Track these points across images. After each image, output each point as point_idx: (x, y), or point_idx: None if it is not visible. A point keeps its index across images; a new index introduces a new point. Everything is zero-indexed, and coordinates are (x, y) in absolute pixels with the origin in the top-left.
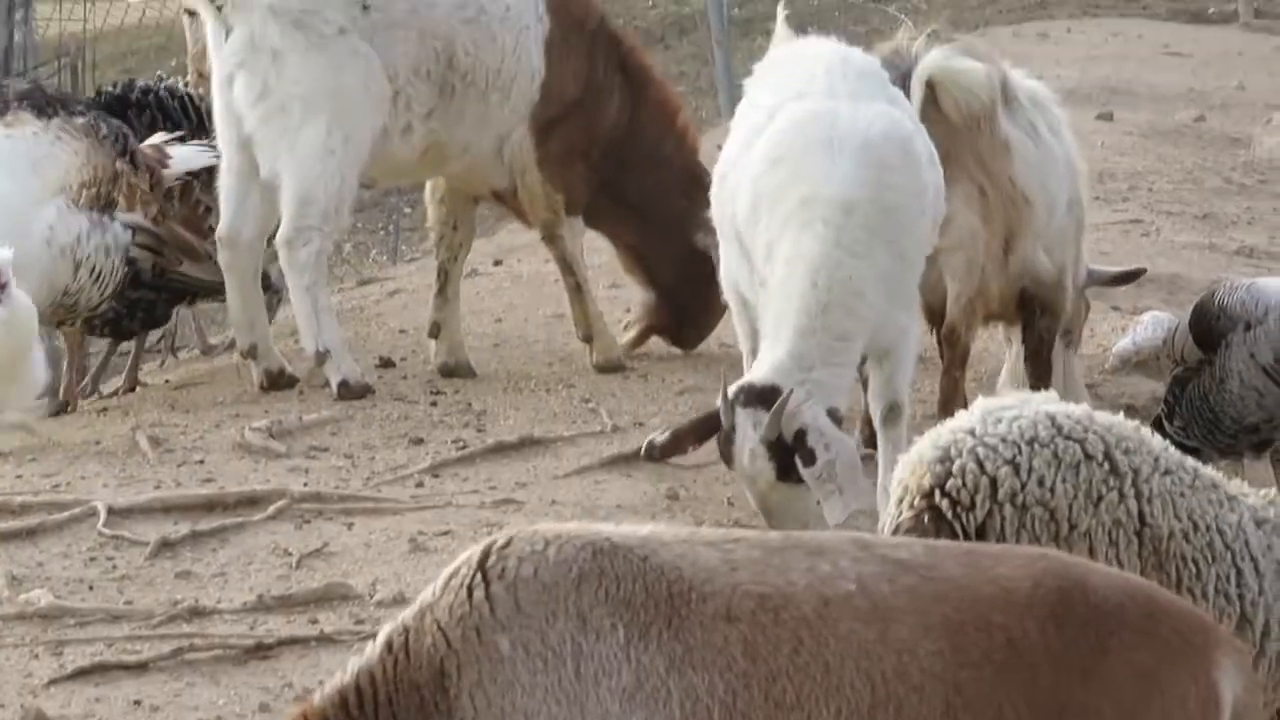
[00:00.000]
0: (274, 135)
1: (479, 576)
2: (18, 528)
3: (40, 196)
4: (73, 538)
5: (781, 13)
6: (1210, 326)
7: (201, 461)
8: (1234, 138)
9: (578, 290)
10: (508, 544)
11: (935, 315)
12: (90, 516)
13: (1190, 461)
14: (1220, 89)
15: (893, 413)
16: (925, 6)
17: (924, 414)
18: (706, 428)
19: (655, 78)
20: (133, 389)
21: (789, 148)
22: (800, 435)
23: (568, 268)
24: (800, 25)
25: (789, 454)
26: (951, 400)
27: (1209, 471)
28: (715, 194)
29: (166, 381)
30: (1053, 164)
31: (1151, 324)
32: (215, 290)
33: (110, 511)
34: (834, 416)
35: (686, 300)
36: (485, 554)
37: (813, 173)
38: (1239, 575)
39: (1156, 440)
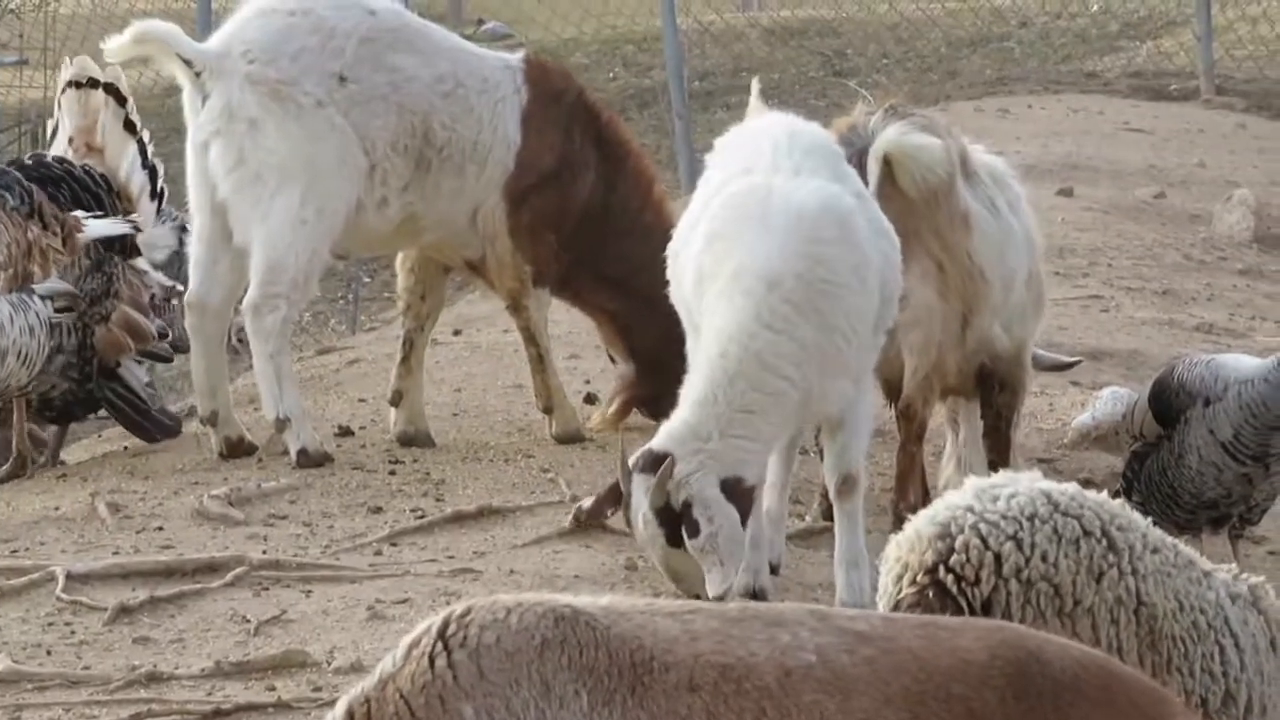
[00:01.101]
0: (248, 203)
1: (440, 645)
2: None
3: None
4: (30, 603)
5: (755, 86)
6: (1170, 402)
7: (160, 528)
8: (1194, 214)
9: (540, 361)
10: (467, 612)
11: (892, 390)
12: (49, 582)
13: (1169, 538)
14: (1181, 166)
15: (846, 484)
16: (886, 81)
17: (882, 487)
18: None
19: (633, 149)
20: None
21: (724, 223)
22: (686, 505)
23: (531, 338)
24: (761, 98)
25: (678, 522)
26: (908, 475)
27: (1185, 549)
28: (670, 272)
29: (125, 448)
30: (1011, 239)
31: (1110, 399)
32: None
33: (69, 577)
34: (734, 488)
35: (666, 372)
36: (445, 623)
37: (742, 247)
38: (1222, 652)
39: (1139, 516)
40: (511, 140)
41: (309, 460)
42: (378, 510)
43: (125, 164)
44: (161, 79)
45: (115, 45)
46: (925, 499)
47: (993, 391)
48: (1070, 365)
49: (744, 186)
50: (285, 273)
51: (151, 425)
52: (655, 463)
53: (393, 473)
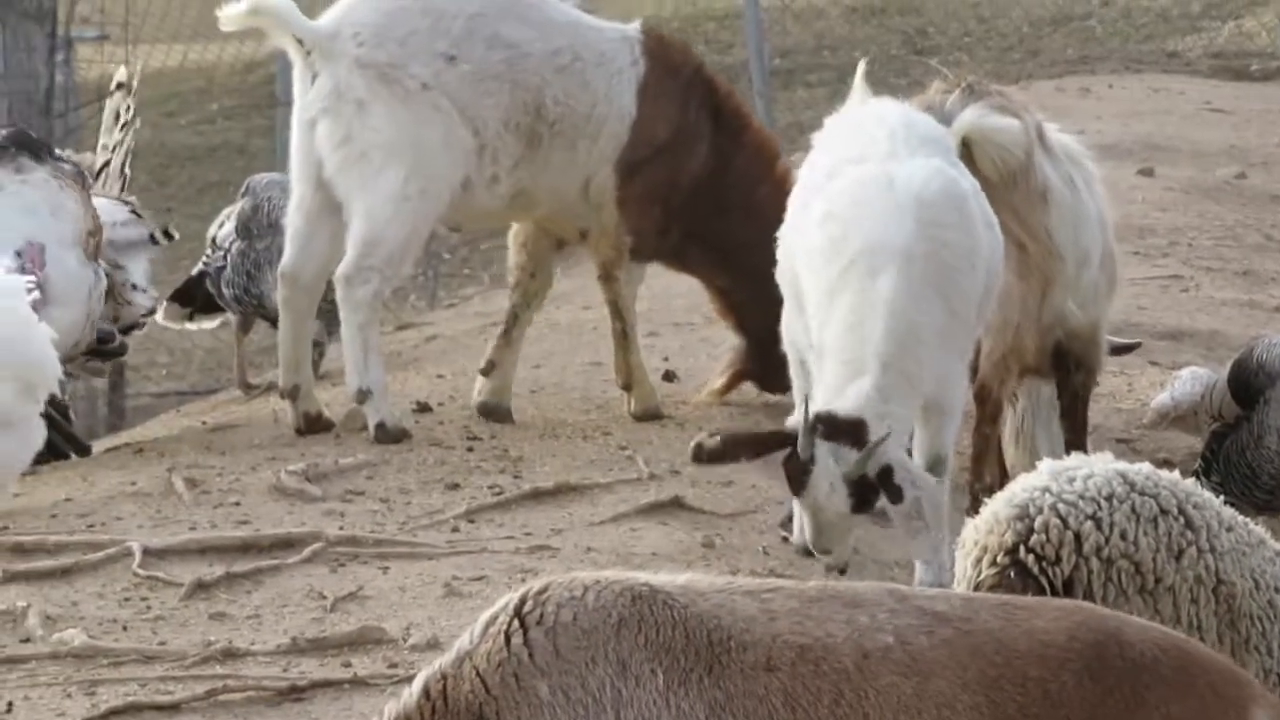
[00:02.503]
0: (353, 180)
1: (516, 623)
2: (52, 567)
3: (73, 252)
4: (107, 578)
5: (861, 69)
6: (1249, 383)
7: (237, 503)
8: (1275, 195)
9: (623, 336)
10: (545, 590)
11: (969, 370)
12: (125, 557)
13: (1240, 517)
14: (1261, 146)
15: (937, 466)
16: (967, 59)
17: (960, 466)
18: (766, 445)
19: (752, 124)
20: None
21: (846, 205)
22: (886, 472)
23: (617, 311)
24: (841, 76)
25: (870, 490)
26: (983, 456)
27: (1256, 528)
28: (780, 252)
29: (203, 423)
30: (1085, 216)
31: (1190, 379)
32: None
33: (145, 552)
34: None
35: (778, 347)
36: (522, 600)
37: (873, 226)
38: None
39: (1211, 495)
40: (627, 112)
41: (386, 435)
42: (455, 487)
43: None
44: (241, 55)
45: (231, 13)
46: (1002, 479)
47: (1069, 372)
48: (1130, 349)
49: (864, 171)
50: (382, 246)
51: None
52: (845, 429)
53: (470, 449)
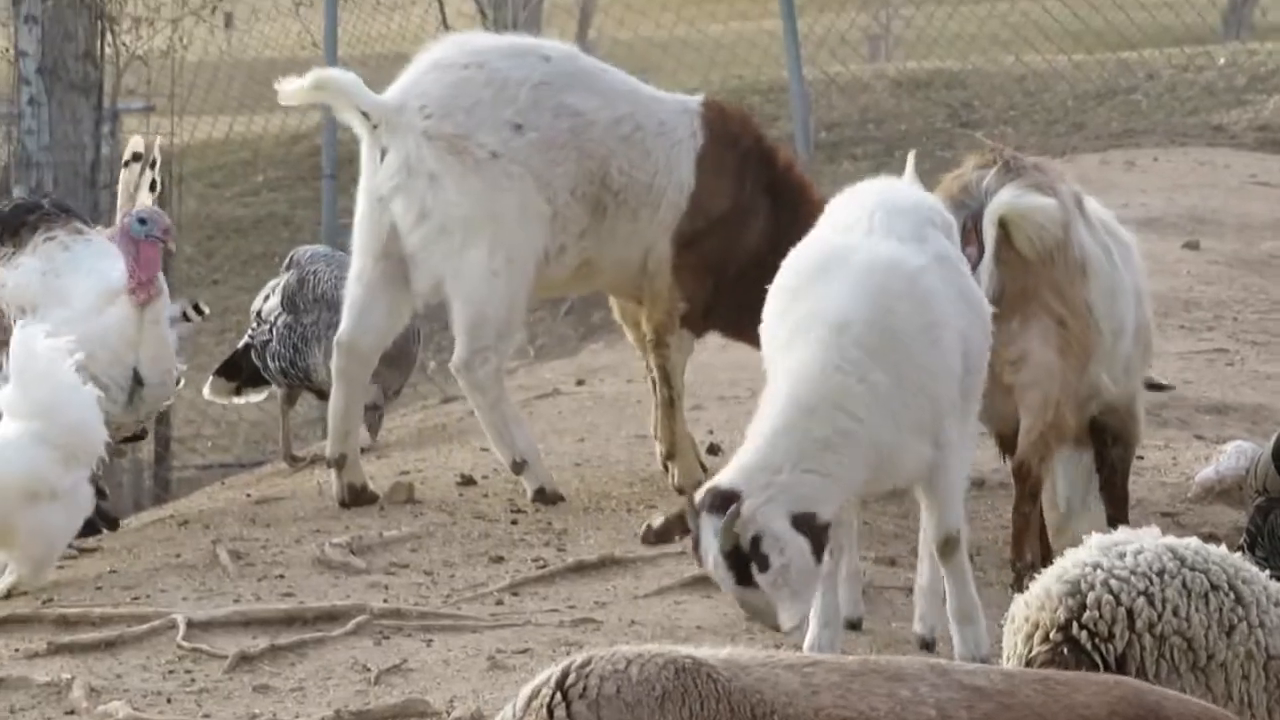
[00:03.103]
0: (438, 257)
1: (559, 695)
2: (97, 639)
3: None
4: (152, 650)
5: (911, 160)
6: None
7: (281, 576)
8: None
9: (669, 405)
10: (587, 663)
11: (1006, 444)
12: (170, 629)
13: None
14: None
15: (948, 545)
16: (1013, 132)
17: (1004, 539)
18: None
19: (812, 197)
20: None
21: (797, 275)
22: (755, 541)
23: (665, 378)
24: (888, 149)
25: (746, 561)
26: (1023, 534)
27: None
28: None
29: (248, 496)
30: (1120, 288)
31: (1235, 453)
32: None
33: (190, 624)
34: (807, 522)
35: None
36: (565, 673)
37: (814, 295)
38: None
39: (1258, 570)
40: (686, 183)
41: (545, 499)
42: (499, 559)
43: None
44: (286, 127)
45: (292, 89)
46: (1046, 556)
47: (1106, 445)
48: (1164, 388)
49: (820, 242)
50: (488, 325)
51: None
52: (723, 501)
53: (515, 522)
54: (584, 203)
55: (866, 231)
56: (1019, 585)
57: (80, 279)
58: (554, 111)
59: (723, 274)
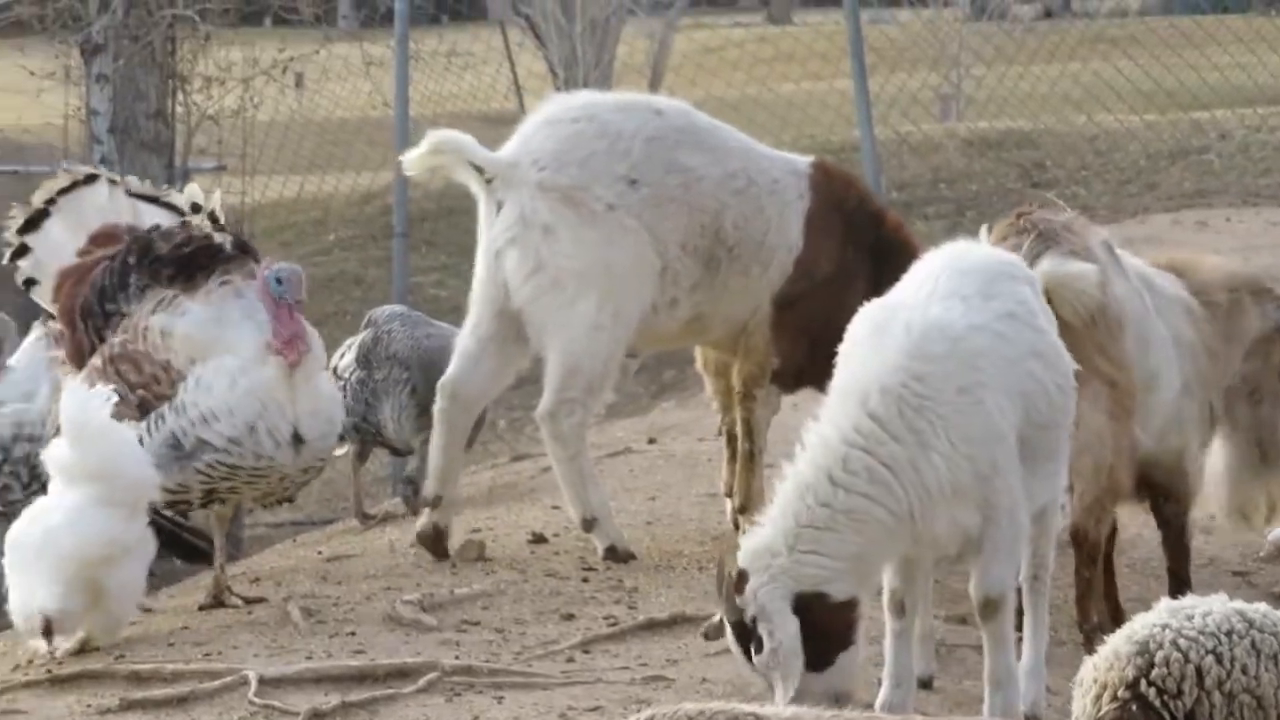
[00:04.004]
0: (546, 309)
1: None
2: (169, 695)
3: None
4: (224, 707)
5: (984, 233)
6: None
7: (353, 633)
8: None
9: (749, 458)
10: None
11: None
12: (241, 686)
13: None
14: None
15: (987, 608)
16: (1084, 192)
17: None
18: None
19: (919, 256)
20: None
21: (848, 339)
22: (754, 620)
23: (748, 431)
24: (959, 208)
25: (747, 639)
26: (1086, 599)
27: None
28: None
29: (320, 553)
30: (1152, 338)
31: None
32: None
33: (261, 681)
34: (814, 603)
35: None
36: None
37: (853, 360)
38: None
39: None
40: (794, 244)
41: (616, 556)
42: (570, 617)
43: None
44: (358, 186)
45: (414, 156)
46: (1117, 615)
47: (1159, 502)
48: None
49: (874, 306)
50: (580, 376)
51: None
52: (738, 579)
53: (586, 580)
54: (695, 256)
55: (929, 293)
56: (1089, 647)
57: (249, 328)
58: (665, 166)
59: (821, 335)
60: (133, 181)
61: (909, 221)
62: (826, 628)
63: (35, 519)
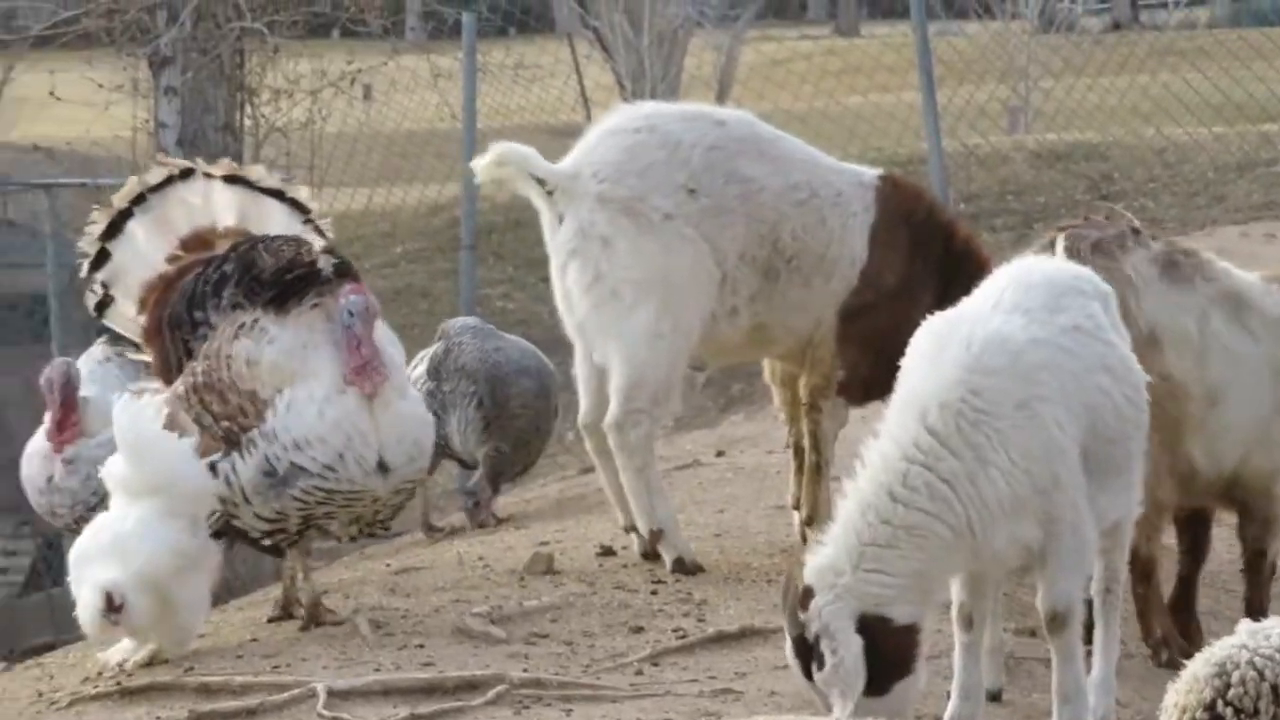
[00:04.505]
0: (605, 320)
1: None
2: (238, 708)
3: None
4: (292, 719)
5: (1061, 243)
6: None
7: (421, 645)
8: None
9: (816, 470)
10: None
11: None
12: (310, 698)
13: None
14: None
15: (1054, 622)
16: (1153, 205)
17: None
18: None
19: (990, 269)
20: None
21: (910, 353)
22: (816, 639)
23: (816, 443)
24: (1027, 220)
25: (810, 656)
26: (1145, 615)
27: None
28: None
29: (388, 565)
30: (1214, 352)
31: None
32: None
33: (330, 694)
34: (878, 626)
35: None
36: None
37: (913, 374)
38: None
39: None
40: (858, 256)
41: (684, 568)
42: (639, 630)
43: None
44: (425, 198)
45: (481, 165)
46: (1187, 630)
47: (1242, 523)
48: None
49: (936, 319)
50: (645, 388)
51: None
52: (801, 596)
53: (654, 592)
54: (754, 266)
55: (993, 306)
56: (1157, 659)
57: (332, 354)
58: (725, 176)
59: (887, 347)
60: (257, 171)
61: (976, 234)
62: (887, 653)
63: (101, 529)
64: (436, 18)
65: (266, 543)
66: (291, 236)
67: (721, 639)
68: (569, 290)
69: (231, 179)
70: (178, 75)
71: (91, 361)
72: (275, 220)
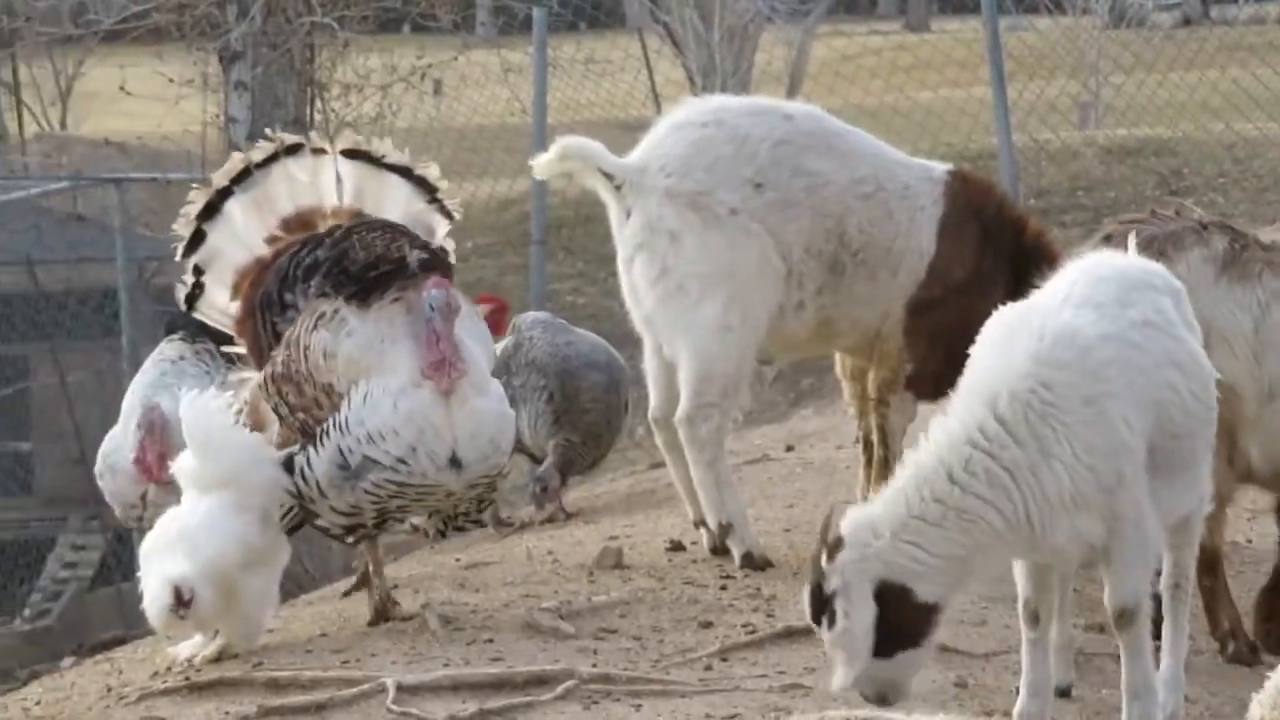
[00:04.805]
0: (672, 314)
1: None
2: (307, 703)
3: None
4: (361, 714)
5: (1133, 241)
6: None
7: (490, 640)
8: None
9: (884, 465)
10: None
11: None
12: (379, 693)
13: None
14: None
15: (1121, 618)
16: (1223, 200)
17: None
18: None
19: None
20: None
21: (979, 342)
22: (834, 594)
23: (884, 438)
24: (1097, 216)
25: (822, 606)
26: (1211, 608)
27: None
28: None
29: (457, 560)
30: (1271, 346)
31: None
32: None
33: (399, 688)
34: (896, 595)
35: None
36: None
37: (982, 361)
38: None
39: None
40: (926, 250)
41: (753, 563)
42: (708, 625)
43: None
44: (495, 193)
45: (543, 161)
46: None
47: None
48: None
49: (1007, 310)
50: (715, 382)
51: None
52: (830, 543)
53: (724, 587)
54: (820, 260)
55: (1064, 299)
56: (1224, 653)
57: (410, 348)
58: (791, 170)
59: (956, 342)
60: (383, 146)
61: (1046, 229)
62: (901, 623)
63: (169, 523)
64: (507, 12)
65: (349, 539)
66: (389, 226)
67: (791, 634)
68: (636, 284)
69: (352, 153)
70: (248, 70)
71: (164, 362)
72: (395, 198)
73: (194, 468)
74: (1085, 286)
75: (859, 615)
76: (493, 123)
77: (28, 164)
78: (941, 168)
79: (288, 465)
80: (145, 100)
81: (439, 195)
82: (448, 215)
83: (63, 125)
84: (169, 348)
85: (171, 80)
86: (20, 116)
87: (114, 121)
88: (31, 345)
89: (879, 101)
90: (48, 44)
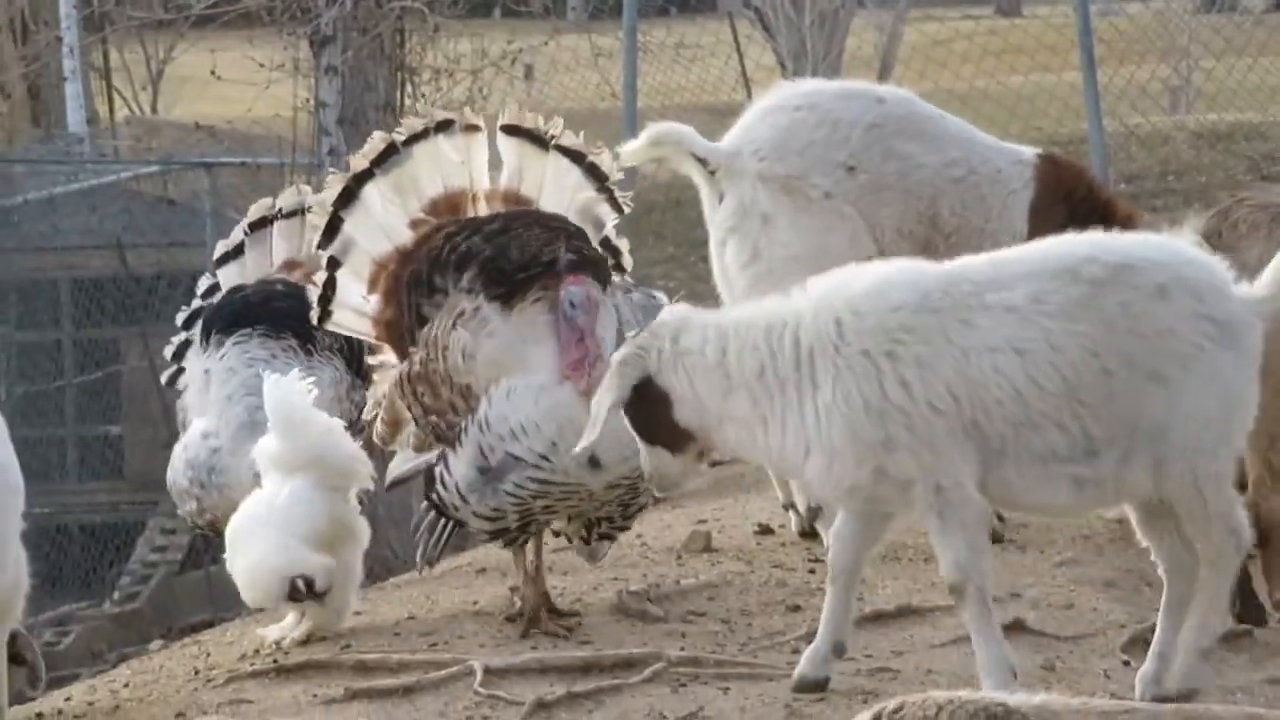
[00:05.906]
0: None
1: None
2: (395, 685)
3: None
4: (449, 697)
5: (1190, 224)
6: None
7: (579, 623)
8: None
9: None
10: (900, 709)
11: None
12: (466, 676)
13: None
14: None
15: (950, 592)
16: None
17: None
18: None
19: None
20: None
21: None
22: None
23: None
24: (1187, 201)
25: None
26: (1269, 575)
27: None
28: None
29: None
30: None
31: None
32: None
33: (487, 671)
34: (661, 399)
35: None
36: (877, 718)
37: (836, 274)
38: None
39: None
40: (1018, 233)
41: None
42: (796, 609)
43: None
44: None
45: (631, 148)
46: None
47: None
48: None
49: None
50: None
51: None
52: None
53: (812, 571)
54: (912, 241)
55: (961, 264)
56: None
57: (552, 347)
58: (884, 153)
59: None
60: (551, 126)
61: (1137, 213)
62: (655, 423)
63: (257, 503)
64: None
65: (499, 543)
66: (548, 222)
67: (879, 617)
68: (727, 267)
69: (514, 129)
70: (338, 54)
71: (255, 362)
72: (562, 184)
73: (276, 449)
74: (1002, 258)
75: (608, 393)
76: (583, 107)
77: (118, 148)
78: (1030, 151)
79: (428, 478)
80: (235, 85)
81: (610, 184)
82: (618, 207)
83: (153, 109)
84: (259, 348)
85: (262, 65)
86: (111, 101)
87: (204, 106)
88: (122, 329)
89: (969, 86)
90: (139, 28)
